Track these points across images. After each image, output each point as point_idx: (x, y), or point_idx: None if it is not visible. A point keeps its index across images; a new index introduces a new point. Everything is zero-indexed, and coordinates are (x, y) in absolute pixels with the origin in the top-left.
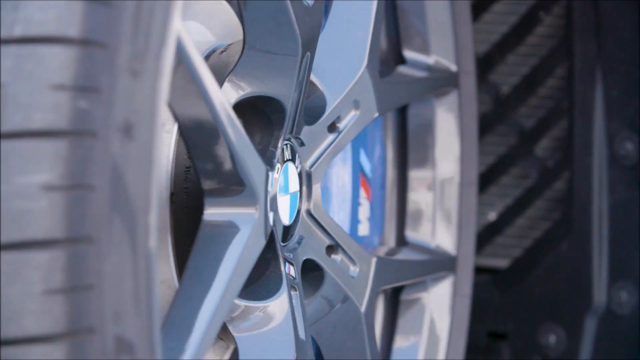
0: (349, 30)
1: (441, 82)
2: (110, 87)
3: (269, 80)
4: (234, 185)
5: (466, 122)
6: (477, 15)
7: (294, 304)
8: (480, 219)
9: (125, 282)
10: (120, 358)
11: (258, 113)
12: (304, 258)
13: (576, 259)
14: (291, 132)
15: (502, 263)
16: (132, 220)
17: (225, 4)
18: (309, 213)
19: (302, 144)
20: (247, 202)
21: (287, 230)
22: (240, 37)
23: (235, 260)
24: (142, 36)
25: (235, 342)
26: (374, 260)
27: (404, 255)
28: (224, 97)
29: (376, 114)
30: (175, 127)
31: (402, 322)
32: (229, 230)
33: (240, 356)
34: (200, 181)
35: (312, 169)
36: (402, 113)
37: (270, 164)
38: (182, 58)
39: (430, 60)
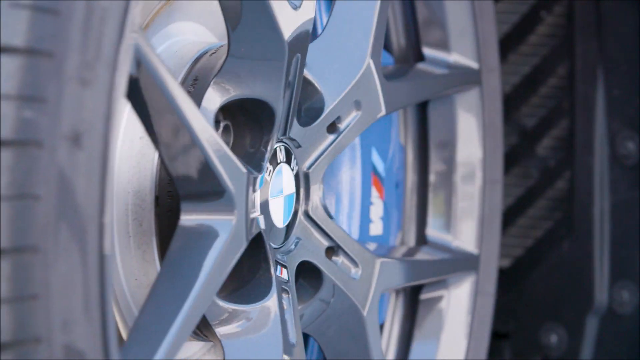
0: (350, 30)
1: (462, 79)
2: (57, 96)
3: (254, 83)
4: (210, 190)
5: (490, 120)
6: None
7: (285, 306)
8: None
9: (75, 291)
10: None
11: (248, 115)
12: (301, 260)
13: (577, 258)
14: (284, 133)
15: (503, 262)
16: (81, 228)
17: None
18: (306, 215)
19: (298, 145)
20: (224, 207)
21: (282, 233)
22: None
23: (209, 266)
24: (93, 45)
25: (222, 345)
26: (378, 262)
27: (423, 254)
28: (193, 102)
29: (381, 114)
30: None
31: (421, 321)
32: (204, 236)
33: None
34: (176, 187)
35: (310, 170)
36: (422, 111)
37: (257, 167)
38: (142, 65)
39: (450, 57)
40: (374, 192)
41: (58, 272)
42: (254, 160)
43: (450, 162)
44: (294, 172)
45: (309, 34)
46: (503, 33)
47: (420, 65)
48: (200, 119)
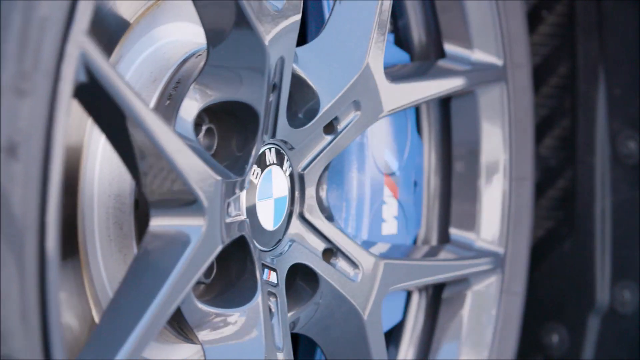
0: (349, 31)
1: (484, 76)
2: None
3: (234, 86)
4: (177, 198)
5: (518, 116)
6: None
7: (272, 310)
8: None
9: (10, 303)
10: None
11: (233, 118)
12: (294, 263)
13: (579, 258)
14: (273, 135)
15: None
16: (18, 240)
17: None
18: (302, 217)
19: (291, 147)
20: (193, 213)
21: (272, 236)
22: None
23: (177, 271)
24: (30, 55)
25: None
26: (382, 264)
27: (445, 253)
28: (150, 108)
29: (383, 114)
30: None
31: (443, 320)
32: (171, 241)
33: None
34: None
35: (305, 172)
36: (445, 107)
37: (241, 171)
38: (92, 72)
39: (472, 54)
40: (387, 192)
41: None
42: (238, 164)
43: (473, 159)
44: (287, 174)
45: (294, 35)
46: None
47: (441, 62)
48: (162, 126)
